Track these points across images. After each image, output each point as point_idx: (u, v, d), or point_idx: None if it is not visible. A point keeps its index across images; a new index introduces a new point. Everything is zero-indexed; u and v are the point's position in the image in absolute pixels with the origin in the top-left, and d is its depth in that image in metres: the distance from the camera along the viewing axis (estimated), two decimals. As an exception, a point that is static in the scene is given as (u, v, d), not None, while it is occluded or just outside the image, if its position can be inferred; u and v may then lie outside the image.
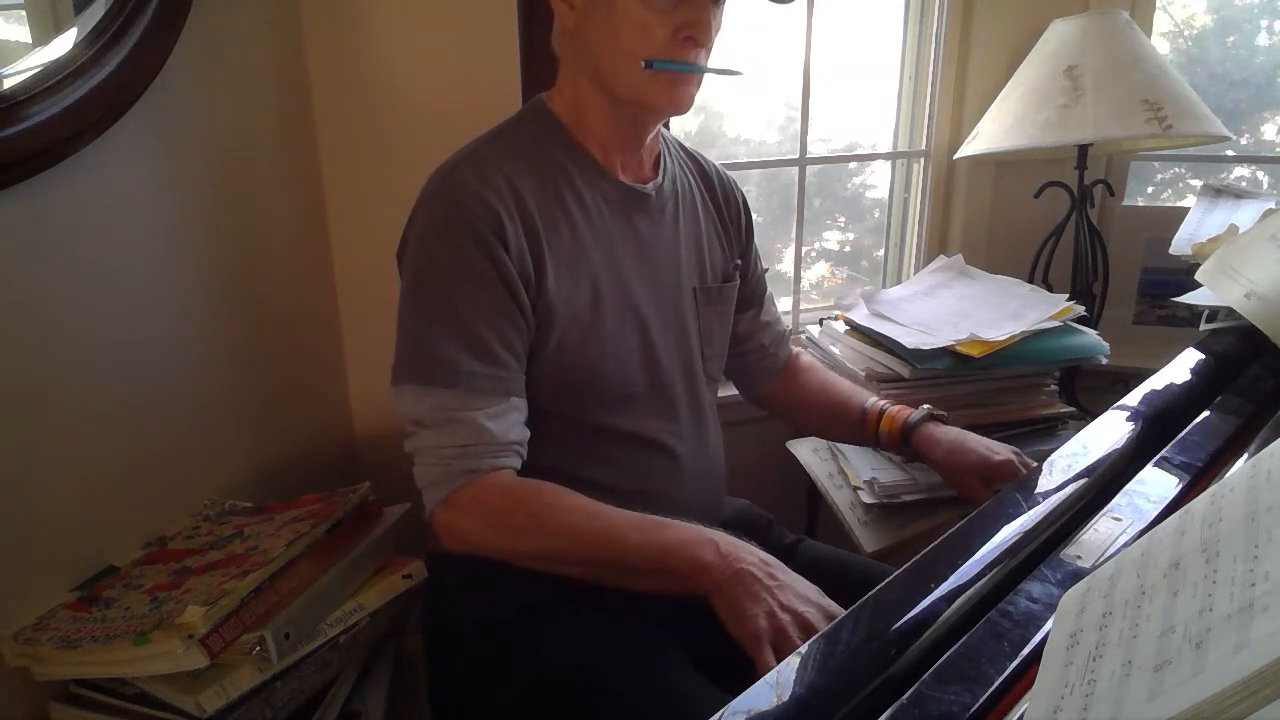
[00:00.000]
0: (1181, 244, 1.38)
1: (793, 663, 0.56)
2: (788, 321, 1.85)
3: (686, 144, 1.14)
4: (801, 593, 0.77)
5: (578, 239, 0.94)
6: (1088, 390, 1.76)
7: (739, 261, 1.13)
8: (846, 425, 1.19)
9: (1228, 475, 0.61)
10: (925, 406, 1.13)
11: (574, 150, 0.97)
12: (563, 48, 0.97)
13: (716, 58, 0.94)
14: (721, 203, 1.11)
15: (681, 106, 0.93)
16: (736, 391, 1.28)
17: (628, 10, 0.86)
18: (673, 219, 1.03)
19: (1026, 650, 0.53)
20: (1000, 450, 1.05)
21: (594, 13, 0.89)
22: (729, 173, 1.15)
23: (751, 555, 0.79)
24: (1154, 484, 0.74)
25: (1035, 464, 1.00)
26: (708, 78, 0.95)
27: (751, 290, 1.17)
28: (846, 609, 0.61)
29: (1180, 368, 1.00)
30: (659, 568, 0.81)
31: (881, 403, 1.16)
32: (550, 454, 0.96)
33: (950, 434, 1.09)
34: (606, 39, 0.89)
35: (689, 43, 0.88)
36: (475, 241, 0.87)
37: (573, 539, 0.85)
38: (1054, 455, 0.81)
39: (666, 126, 1.34)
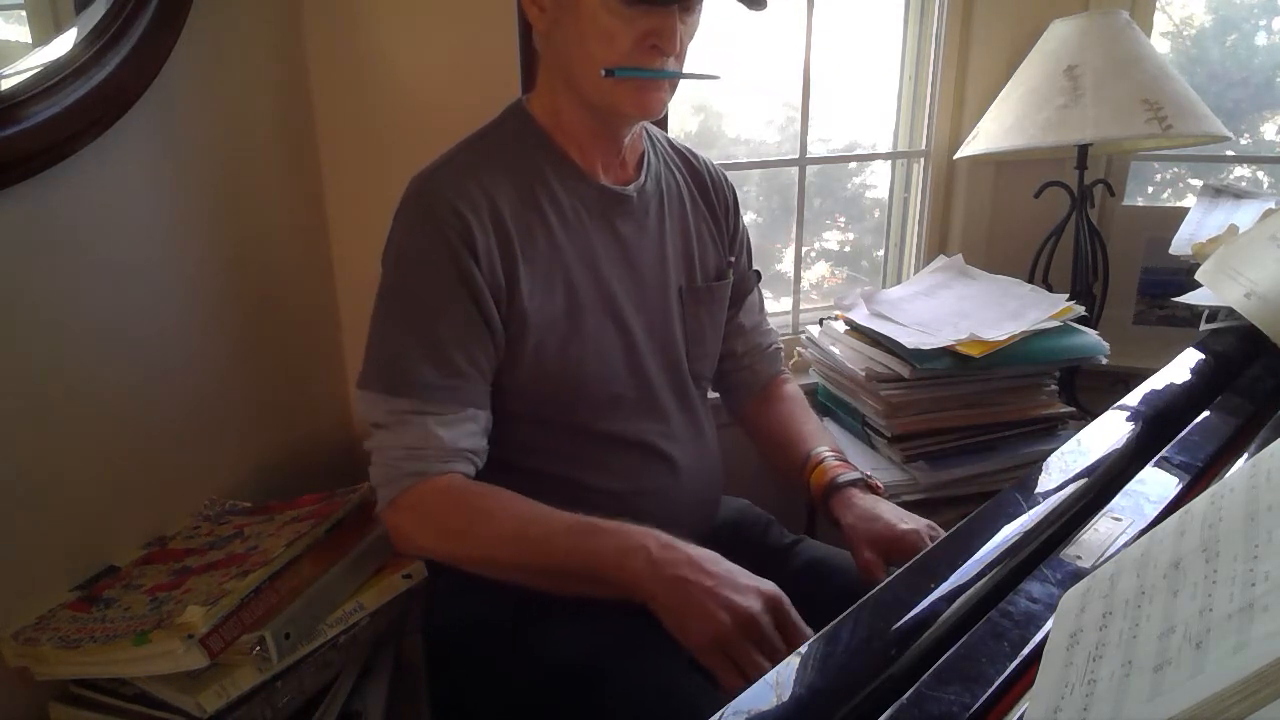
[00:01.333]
0: (1181, 244, 1.38)
1: (793, 662, 0.56)
2: (787, 321, 1.85)
3: (682, 142, 1.13)
4: (738, 583, 0.75)
5: (553, 244, 0.94)
6: (1088, 390, 1.76)
7: (731, 258, 1.12)
8: (790, 467, 1.09)
9: (1228, 475, 0.61)
10: (864, 473, 1.03)
11: (552, 153, 0.96)
12: (542, 49, 0.96)
13: (707, 60, 0.94)
14: (713, 198, 1.10)
15: (650, 112, 0.92)
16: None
17: (594, 17, 0.85)
18: (658, 219, 1.03)
19: (1026, 650, 0.53)
20: (909, 520, 0.94)
21: (562, 17, 0.88)
22: (721, 169, 1.13)
23: (684, 554, 0.77)
24: (1154, 484, 0.74)
25: (942, 532, 0.92)
26: (694, 82, 0.94)
27: (733, 288, 1.13)
28: (846, 609, 0.61)
29: (1180, 368, 1.00)
30: (589, 574, 0.80)
31: (826, 454, 1.05)
32: (546, 459, 0.96)
33: (867, 501, 0.98)
34: (575, 45, 0.88)
35: (654, 50, 0.87)
36: (446, 252, 0.87)
37: (506, 545, 0.84)
38: (1054, 455, 0.81)
39: (665, 126, 1.34)
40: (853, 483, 1.01)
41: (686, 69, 0.93)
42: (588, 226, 0.96)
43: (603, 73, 0.87)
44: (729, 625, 0.71)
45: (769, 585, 0.76)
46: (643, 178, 1.02)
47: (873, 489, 1.02)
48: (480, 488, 0.88)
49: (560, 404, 0.95)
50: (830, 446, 1.08)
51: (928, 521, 0.96)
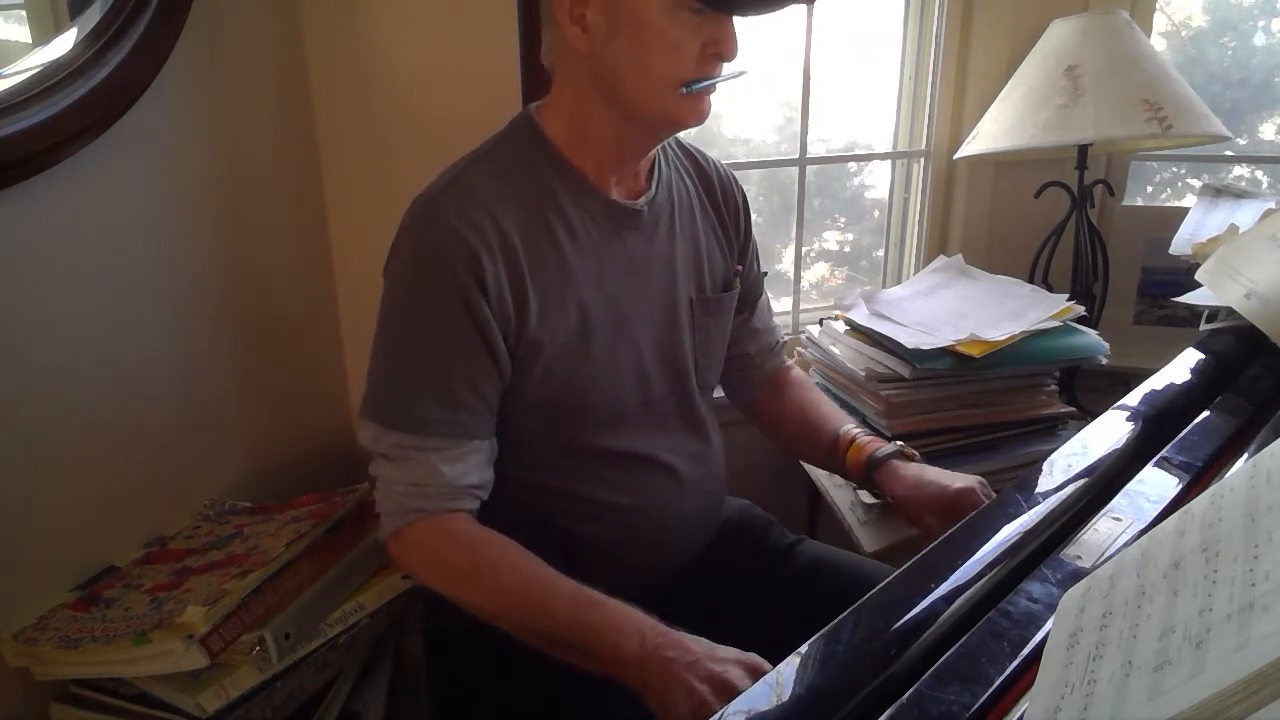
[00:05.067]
0: (1181, 244, 1.38)
1: (793, 662, 0.56)
2: (787, 321, 1.85)
3: (691, 143, 1.10)
4: (718, 655, 0.74)
5: (564, 265, 0.91)
6: (1088, 390, 1.76)
7: (739, 267, 1.09)
8: (818, 449, 1.13)
9: (1228, 475, 0.61)
10: (897, 443, 1.07)
11: (563, 170, 0.93)
12: (566, 67, 0.92)
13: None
14: (721, 203, 1.07)
15: (704, 119, 0.92)
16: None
17: (660, 34, 0.83)
18: (668, 231, 1.00)
19: (1026, 650, 0.54)
20: (960, 479, 0.98)
21: (618, 37, 0.85)
22: (731, 172, 1.10)
23: (672, 638, 0.76)
24: (1154, 484, 0.74)
25: (995, 493, 0.95)
26: None
27: (745, 293, 1.13)
28: (847, 609, 0.61)
29: (1180, 368, 1.00)
30: (582, 647, 0.79)
31: (855, 431, 1.10)
32: (551, 475, 0.95)
33: (912, 469, 1.02)
34: (634, 63, 0.85)
35: (716, 59, 0.86)
36: (451, 284, 0.85)
37: (505, 602, 0.84)
38: (1054, 455, 0.81)
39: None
40: (891, 455, 1.04)
41: None
42: (597, 242, 0.94)
43: (684, 90, 0.85)
44: (708, 695, 0.70)
45: (750, 655, 0.74)
46: (654, 189, 0.99)
47: (909, 457, 1.05)
48: (485, 537, 0.87)
49: (566, 422, 0.94)
50: (855, 423, 1.11)
51: (978, 477, 0.99)
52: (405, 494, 0.86)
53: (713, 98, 0.91)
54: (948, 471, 1.01)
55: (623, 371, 0.96)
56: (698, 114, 0.90)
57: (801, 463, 1.44)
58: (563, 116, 0.93)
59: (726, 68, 0.91)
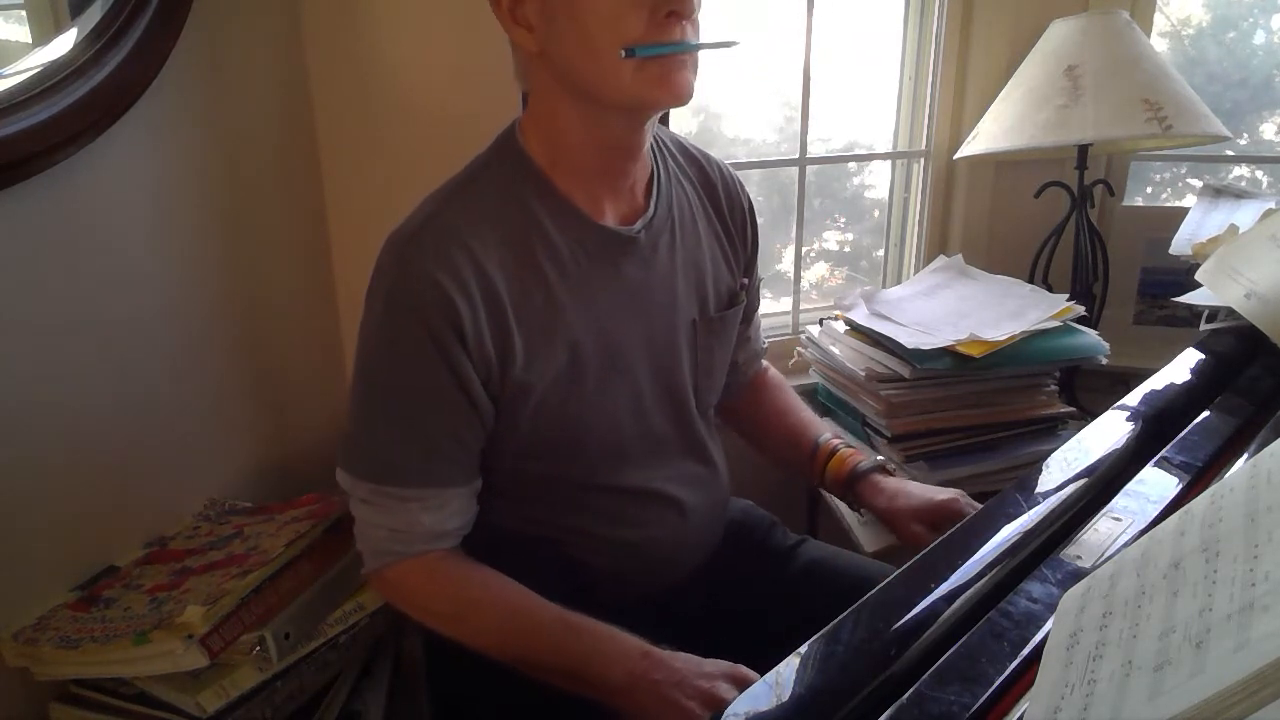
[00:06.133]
0: (1181, 244, 1.38)
1: (793, 663, 0.56)
2: (787, 322, 1.85)
3: (695, 144, 1.04)
4: (704, 671, 0.75)
5: (553, 303, 0.86)
6: (1088, 390, 1.76)
7: (744, 280, 1.04)
8: (798, 457, 1.12)
9: (1228, 475, 0.61)
10: (878, 457, 1.08)
11: (549, 196, 0.87)
12: (533, 78, 0.86)
13: (703, 59, 0.84)
14: (726, 212, 1.02)
15: (682, 96, 0.80)
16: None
17: (593, 4, 0.75)
18: (668, 251, 0.94)
19: (1026, 650, 0.54)
20: (943, 491, 1.01)
21: (556, 22, 0.78)
22: (736, 175, 1.04)
23: (656, 659, 0.77)
24: (1154, 484, 0.74)
25: (979, 505, 0.95)
26: (704, 64, 0.84)
27: (746, 304, 1.07)
28: (847, 609, 0.61)
29: (1180, 368, 1.00)
30: (571, 675, 0.80)
31: (835, 442, 1.10)
32: (551, 511, 0.94)
33: (892, 483, 1.04)
34: (578, 41, 0.77)
35: (673, 19, 0.76)
36: (428, 339, 0.81)
37: (492, 636, 0.84)
38: (1054, 455, 0.81)
39: (664, 123, 1.33)
40: (873, 469, 1.07)
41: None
42: (589, 275, 0.88)
43: (622, 54, 0.76)
44: (697, 710, 0.71)
45: (738, 667, 0.75)
46: (651, 209, 0.93)
47: (889, 473, 1.07)
48: (467, 573, 0.87)
49: (562, 460, 0.92)
50: (833, 433, 1.13)
51: (957, 490, 1.01)
52: (385, 538, 0.86)
53: (712, 97, 0.89)
54: (924, 485, 1.04)
55: (619, 407, 0.93)
56: (669, 90, 0.79)
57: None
58: (540, 132, 0.88)
59: (707, 36, 0.82)
